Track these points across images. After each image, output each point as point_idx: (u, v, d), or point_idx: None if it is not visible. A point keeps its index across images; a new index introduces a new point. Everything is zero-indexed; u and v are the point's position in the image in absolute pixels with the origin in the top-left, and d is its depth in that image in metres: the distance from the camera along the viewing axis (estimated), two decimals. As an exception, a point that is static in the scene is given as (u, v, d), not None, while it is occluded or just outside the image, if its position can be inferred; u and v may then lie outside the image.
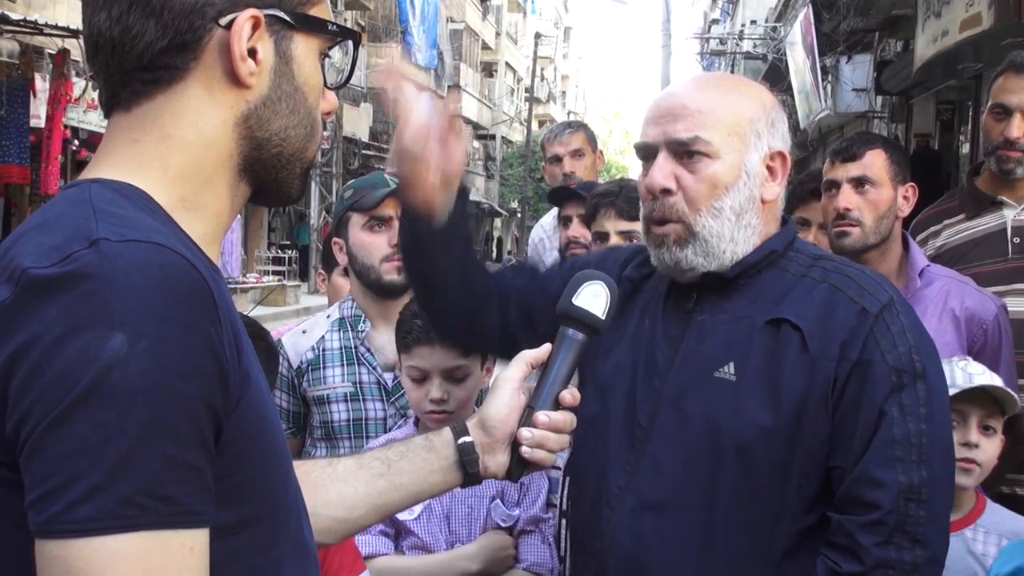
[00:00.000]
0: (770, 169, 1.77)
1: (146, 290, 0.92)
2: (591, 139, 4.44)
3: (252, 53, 1.10)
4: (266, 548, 1.06)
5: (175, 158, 1.09)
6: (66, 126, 12.82)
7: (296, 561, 1.11)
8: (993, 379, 2.26)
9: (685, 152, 1.73)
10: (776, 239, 1.78)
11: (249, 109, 1.12)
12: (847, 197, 2.72)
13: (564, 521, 2.52)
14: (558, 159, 4.35)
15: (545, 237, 4.64)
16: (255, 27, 1.09)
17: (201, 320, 0.95)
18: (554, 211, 4.73)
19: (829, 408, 1.65)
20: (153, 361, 0.90)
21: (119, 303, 0.90)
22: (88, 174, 1.09)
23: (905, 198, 2.77)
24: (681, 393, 1.74)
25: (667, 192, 1.75)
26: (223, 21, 1.08)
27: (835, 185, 2.77)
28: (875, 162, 2.74)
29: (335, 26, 1.19)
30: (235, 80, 1.10)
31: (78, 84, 12.55)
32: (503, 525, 2.37)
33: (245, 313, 2.23)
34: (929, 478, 1.61)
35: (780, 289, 1.74)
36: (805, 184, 3.20)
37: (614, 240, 2.99)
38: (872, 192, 2.72)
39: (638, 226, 2.96)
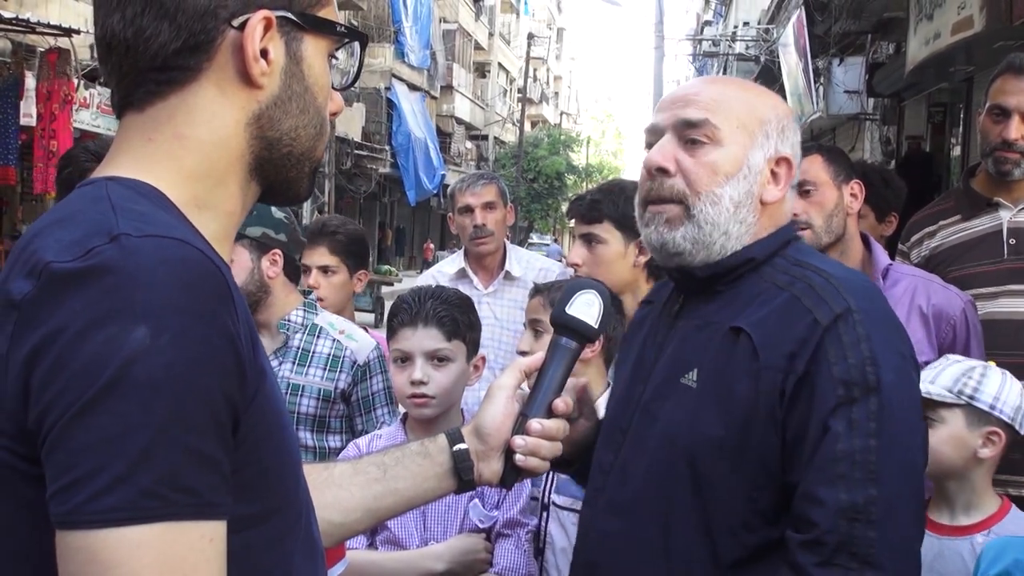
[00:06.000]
0: (774, 173, 1.76)
1: (168, 284, 0.93)
2: (503, 193, 4.23)
3: (264, 54, 1.11)
4: (279, 541, 1.07)
5: (189, 157, 1.10)
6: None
7: (307, 556, 1.13)
8: (939, 377, 2.26)
9: (690, 137, 1.72)
10: (759, 246, 1.74)
11: (261, 109, 1.13)
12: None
13: (546, 515, 2.54)
14: (469, 210, 4.08)
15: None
16: (267, 28, 1.10)
17: (221, 314, 0.96)
18: (451, 259, 4.40)
19: (778, 421, 1.58)
20: (175, 354, 0.91)
21: (142, 296, 0.91)
22: (102, 172, 1.10)
23: (853, 195, 2.86)
24: (653, 398, 1.74)
25: (663, 172, 1.73)
26: (236, 22, 1.09)
27: None
28: (811, 167, 2.79)
29: (343, 28, 1.20)
30: (247, 80, 1.11)
31: (70, 83, 12.51)
32: (481, 526, 2.36)
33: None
34: (879, 496, 1.50)
35: (750, 296, 1.70)
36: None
37: (577, 242, 3.03)
38: (815, 194, 2.80)
39: (597, 229, 3.02)
